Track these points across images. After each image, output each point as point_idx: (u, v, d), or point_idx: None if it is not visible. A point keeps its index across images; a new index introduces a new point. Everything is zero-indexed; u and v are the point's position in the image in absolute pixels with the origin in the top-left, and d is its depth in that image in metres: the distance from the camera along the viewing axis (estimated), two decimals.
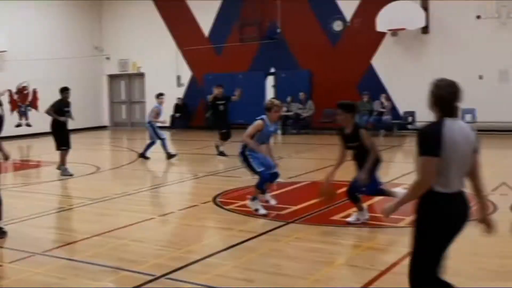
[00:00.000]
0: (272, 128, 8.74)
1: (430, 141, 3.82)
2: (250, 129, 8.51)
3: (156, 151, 15.15)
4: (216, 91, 15.70)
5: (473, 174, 4.07)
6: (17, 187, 11.91)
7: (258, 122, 8.52)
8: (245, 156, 8.54)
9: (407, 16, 19.64)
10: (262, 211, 8.14)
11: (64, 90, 12.99)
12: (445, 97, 3.91)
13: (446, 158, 3.80)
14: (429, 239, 3.93)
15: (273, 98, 8.61)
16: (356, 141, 7.46)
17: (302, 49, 22.85)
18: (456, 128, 3.87)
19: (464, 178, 4.00)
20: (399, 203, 4.03)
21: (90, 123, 26.92)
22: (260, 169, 8.45)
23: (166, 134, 15.50)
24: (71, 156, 13.18)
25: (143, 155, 15.21)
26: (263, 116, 8.58)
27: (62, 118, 12.81)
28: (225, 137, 15.42)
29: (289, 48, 23.19)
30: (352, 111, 7.56)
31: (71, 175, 12.75)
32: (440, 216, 3.87)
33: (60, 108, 12.88)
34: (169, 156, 15.01)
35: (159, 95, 15.54)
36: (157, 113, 15.21)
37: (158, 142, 15.19)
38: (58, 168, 13.00)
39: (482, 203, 4.19)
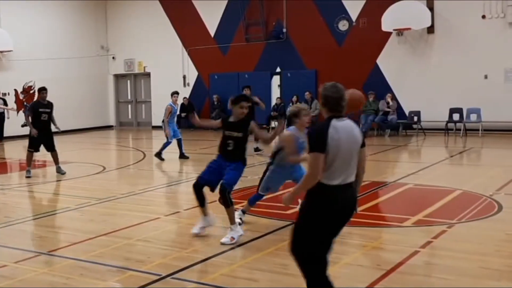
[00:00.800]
0: (302, 140, 6.87)
1: (317, 139, 4.27)
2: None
3: (166, 151, 15.12)
4: (244, 92, 15.54)
5: (359, 166, 4.51)
6: (23, 186, 11.95)
7: (289, 136, 7.10)
8: (267, 169, 7.67)
9: (413, 16, 19.60)
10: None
11: (41, 90, 12.70)
12: (330, 96, 4.39)
13: (330, 154, 4.25)
14: (313, 225, 4.34)
15: (297, 103, 7.73)
16: (240, 131, 7.17)
17: (308, 49, 22.84)
18: (341, 127, 4.31)
19: (351, 172, 4.41)
20: (294, 194, 4.49)
21: (96, 123, 27.07)
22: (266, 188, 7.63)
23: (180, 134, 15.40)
24: (76, 155, 13.21)
25: (159, 155, 15.00)
26: (290, 128, 7.27)
27: (33, 131, 12.50)
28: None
29: (295, 47, 23.20)
30: None
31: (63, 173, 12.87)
32: (323, 206, 4.31)
33: (36, 109, 12.66)
34: (182, 156, 15.10)
35: (173, 94, 15.26)
36: (170, 112, 14.94)
37: (174, 141, 15.15)
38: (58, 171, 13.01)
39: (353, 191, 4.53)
